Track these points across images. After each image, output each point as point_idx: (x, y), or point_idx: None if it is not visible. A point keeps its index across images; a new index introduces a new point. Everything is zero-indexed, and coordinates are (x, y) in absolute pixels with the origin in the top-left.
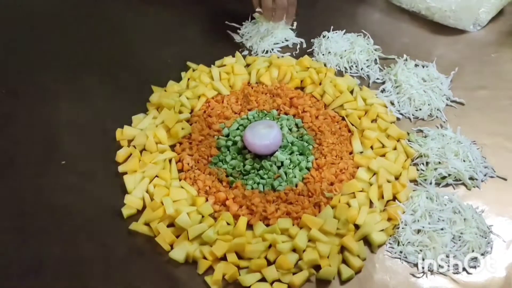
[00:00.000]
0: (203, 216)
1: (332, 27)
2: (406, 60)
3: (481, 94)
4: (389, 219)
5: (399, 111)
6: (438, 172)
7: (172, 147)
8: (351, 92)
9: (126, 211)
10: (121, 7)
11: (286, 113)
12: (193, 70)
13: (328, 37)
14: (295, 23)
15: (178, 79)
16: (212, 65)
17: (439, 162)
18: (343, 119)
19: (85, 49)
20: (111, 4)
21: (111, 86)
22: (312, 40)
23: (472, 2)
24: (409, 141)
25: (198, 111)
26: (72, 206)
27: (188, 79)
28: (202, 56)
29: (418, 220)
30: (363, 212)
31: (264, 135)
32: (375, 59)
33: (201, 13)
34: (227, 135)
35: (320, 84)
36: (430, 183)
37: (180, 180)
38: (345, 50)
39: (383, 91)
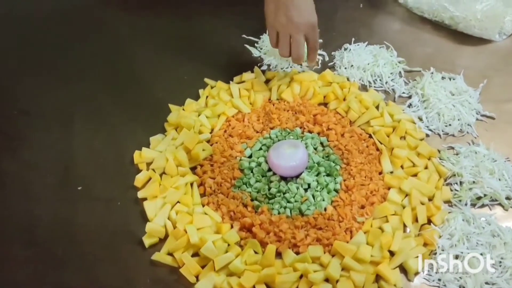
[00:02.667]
0: (229, 245)
1: (353, 39)
2: (432, 73)
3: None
4: (425, 244)
5: (427, 127)
6: (474, 192)
7: (192, 169)
8: (377, 107)
9: (148, 240)
10: (135, 24)
11: (310, 131)
12: (211, 87)
13: (350, 50)
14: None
15: (196, 97)
16: (230, 81)
17: (474, 182)
18: (370, 136)
19: (99, 67)
20: (125, 21)
21: (126, 105)
22: (333, 53)
23: (497, 11)
24: (440, 159)
25: (219, 131)
26: (91, 234)
27: (207, 96)
28: (219, 71)
29: (455, 245)
30: (398, 238)
31: (289, 156)
32: (400, 72)
33: (217, 27)
34: (250, 156)
35: (344, 99)
36: (466, 204)
37: (203, 205)
38: (368, 63)
39: (410, 106)
